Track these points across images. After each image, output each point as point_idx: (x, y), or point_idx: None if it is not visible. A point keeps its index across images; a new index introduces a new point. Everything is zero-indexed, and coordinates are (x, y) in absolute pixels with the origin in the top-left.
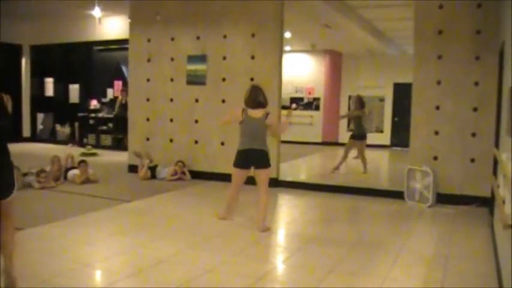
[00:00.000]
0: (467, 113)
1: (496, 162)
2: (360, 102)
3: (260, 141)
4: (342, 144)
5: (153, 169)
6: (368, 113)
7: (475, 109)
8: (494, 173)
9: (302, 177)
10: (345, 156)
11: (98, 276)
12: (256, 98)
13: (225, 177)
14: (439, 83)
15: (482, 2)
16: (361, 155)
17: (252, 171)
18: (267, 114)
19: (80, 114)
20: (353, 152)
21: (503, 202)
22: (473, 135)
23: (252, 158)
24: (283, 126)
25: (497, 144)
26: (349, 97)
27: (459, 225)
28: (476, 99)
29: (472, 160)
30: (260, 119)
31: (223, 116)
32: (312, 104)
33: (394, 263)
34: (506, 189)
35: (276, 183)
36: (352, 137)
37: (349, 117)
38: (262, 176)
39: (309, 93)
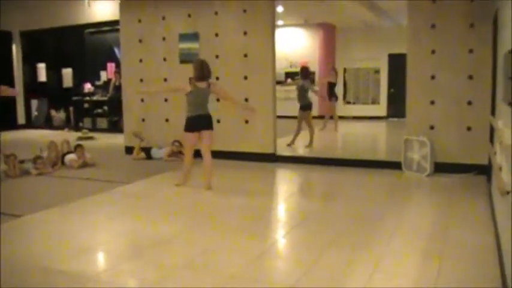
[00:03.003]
0: (462, 82)
1: (492, 130)
2: (305, 73)
3: (205, 108)
4: (339, 117)
5: (147, 149)
6: (311, 83)
7: (470, 77)
8: (491, 140)
9: (299, 152)
10: (299, 130)
11: (99, 259)
12: (202, 71)
13: (222, 155)
14: (433, 52)
15: None
16: (309, 127)
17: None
18: (209, 84)
19: (74, 98)
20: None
21: (500, 169)
22: (469, 103)
23: (201, 122)
24: (245, 106)
25: (493, 112)
26: (344, 70)
27: (457, 194)
28: (471, 68)
29: (469, 128)
30: (205, 89)
31: (172, 84)
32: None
33: (393, 235)
34: (502, 156)
35: (273, 158)
36: (300, 108)
37: (296, 87)
38: (207, 136)
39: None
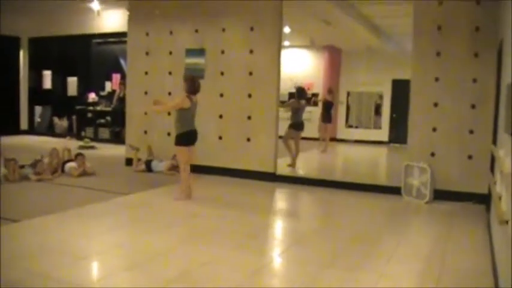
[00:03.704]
0: (465, 110)
1: (493, 159)
2: (300, 93)
3: (194, 122)
4: (341, 140)
5: (149, 161)
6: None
7: (473, 106)
8: (492, 169)
9: (300, 172)
10: (291, 149)
11: (94, 269)
12: (195, 86)
13: (223, 171)
14: (437, 79)
15: None
16: (296, 147)
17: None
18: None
19: (78, 107)
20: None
21: (500, 198)
22: (471, 132)
23: (195, 136)
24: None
25: (494, 141)
26: (348, 93)
27: (456, 221)
28: (474, 97)
29: (470, 157)
30: (196, 104)
31: (179, 101)
32: (310, 100)
33: (391, 259)
34: (503, 185)
35: (273, 177)
36: (291, 127)
37: (291, 107)
38: (193, 150)
39: (308, 89)
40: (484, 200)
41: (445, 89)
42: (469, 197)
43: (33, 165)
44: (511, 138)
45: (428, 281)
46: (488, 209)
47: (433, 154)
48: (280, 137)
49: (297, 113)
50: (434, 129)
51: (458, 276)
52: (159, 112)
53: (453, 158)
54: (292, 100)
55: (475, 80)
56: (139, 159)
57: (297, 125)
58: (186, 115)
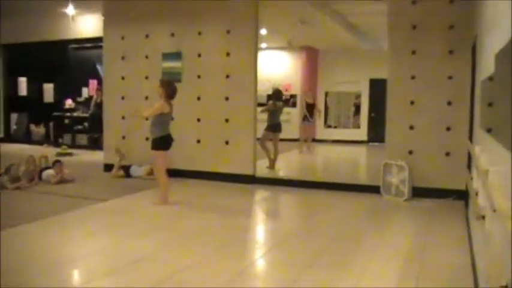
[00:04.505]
0: (441, 107)
1: (470, 155)
2: (277, 95)
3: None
4: (320, 141)
5: (127, 167)
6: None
7: (449, 103)
8: (469, 166)
9: (279, 174)
10: (268, 151)
11: (76, 275)
12: (173, 90)
13: (202, 175)
14: (413, 78)
15: None
16: (275, 148)
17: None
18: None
19: (55, 114)
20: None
21: (477, 194)
22: (448, 129)
23: (171, 141)
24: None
25: (471, 138)
26: (326, 93)
27: (435, 218)
28: (450, 94)
29: (447, 154)
30: (172, 108)
31: (159, 106)
32: (289, 101)
33: (371, 257)
34: (479, 181)
35: (252, 180)
36: (268, 129)
37: (269, 109)
38: (169, 154)
39: (286, 90)
40: (463, 196)
41: (421, 86)
42: (447, 193)
43: (7, 170)
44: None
45: (408, 277)
46: (467, 205)
47: (411, 152)
48: (259, 139)
49: (273, 114)
50: (411, 127)
51: (438, 272)
52: (144, 117)
53: (431, 155)
54: (269, 102)
55: (450, 77)
56: (122, 167)
57: (273, 127)
58: (163, 120)
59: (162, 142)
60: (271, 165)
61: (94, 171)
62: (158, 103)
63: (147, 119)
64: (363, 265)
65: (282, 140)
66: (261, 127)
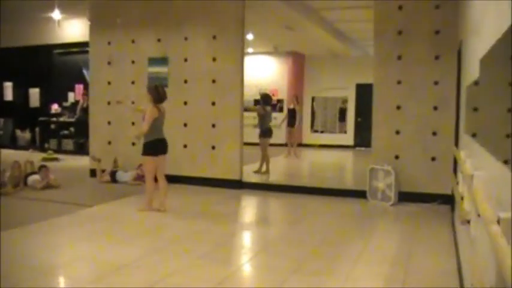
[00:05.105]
0: (427, 112)
1: (456, 160)
2: (266, 99)
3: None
4: (307, 145)
5: (113, 173)
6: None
7: (435, 108)
8: (455, 171)
9: (266, 179)
10: (268, 157)
11: (60, 282)
12: (163, 94)
13: (188, 180)
14: (399, 83)
15: (441, 2)
16: (263, 153)
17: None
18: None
19: (41, 119)
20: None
21: (462, 199)
22: (434, 134)
23: (164, 146)
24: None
25: (457, 143)
26: (313, 98)
27: (421, 222)
28: (436, 99)
29: (433, 158)
30: (164, 112)
31: (151, 114)
32: (275, 106)
33: (357, 262)
34: (464, 186)
35: (239, 184)
36: (263, 135)
37: (257, 113)
38: (164, 160)
39: (273, 95)
40: (449, 200)
41: (407, 91)
42: (433, 198)
43: None
44: (472, 139)
45: (394, 282)
46: (452, 209)
47: (397, 157)
48: (246, 144)
49: (263, 119)
50: (397, 132)
51: (424, 277)
52: (145, 131)
53: (417, 160)
54: (257, 107)
55: (436, 83)
56: (103, 170)
57: (264, 132)
58: (154, 124)
59: (152, 147)
60: (260, 170)
61: (80, 177)
62: (148, 110)
63: (133, 124)
64: (348, 270)
65: (270, 144)
66: (248, 132)
